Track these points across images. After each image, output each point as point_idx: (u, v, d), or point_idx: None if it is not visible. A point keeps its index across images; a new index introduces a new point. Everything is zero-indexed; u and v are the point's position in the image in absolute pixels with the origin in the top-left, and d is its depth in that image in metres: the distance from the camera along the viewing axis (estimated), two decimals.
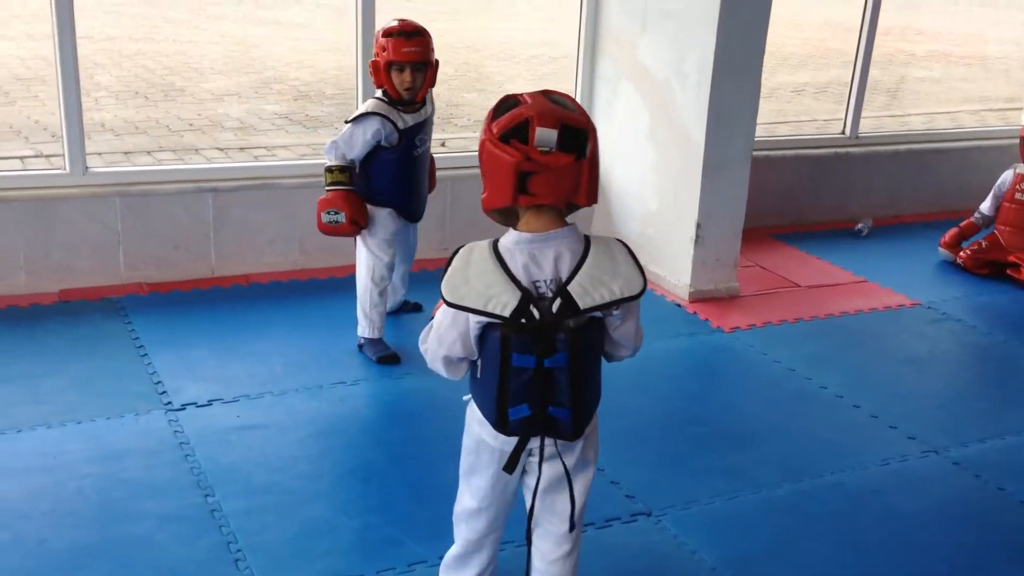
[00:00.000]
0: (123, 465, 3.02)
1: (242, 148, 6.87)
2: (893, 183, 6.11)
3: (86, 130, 4.36)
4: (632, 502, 2.98)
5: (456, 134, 7.58)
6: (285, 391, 3.54)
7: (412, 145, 3.61)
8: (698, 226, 4.56)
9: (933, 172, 6.23)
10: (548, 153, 1.93)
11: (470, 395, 2.19)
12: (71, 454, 3.07)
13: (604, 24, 5.00)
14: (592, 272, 1.99)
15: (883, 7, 5.79)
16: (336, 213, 3.52)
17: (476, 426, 2.17)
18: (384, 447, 3.24)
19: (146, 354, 3.74)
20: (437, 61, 3.58)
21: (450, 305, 2.01)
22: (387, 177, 3.59)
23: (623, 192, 4.99)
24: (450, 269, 2.01)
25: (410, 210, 3.74)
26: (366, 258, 3.72)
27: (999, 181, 5.33)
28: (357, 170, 3.60)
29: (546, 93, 2.02)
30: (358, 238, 3.72)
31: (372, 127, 3.51)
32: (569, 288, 1.98)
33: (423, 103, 3.65)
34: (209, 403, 3.42)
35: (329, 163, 3.57)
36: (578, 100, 5.11)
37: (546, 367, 2.01)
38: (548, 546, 2.24)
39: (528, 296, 1.97)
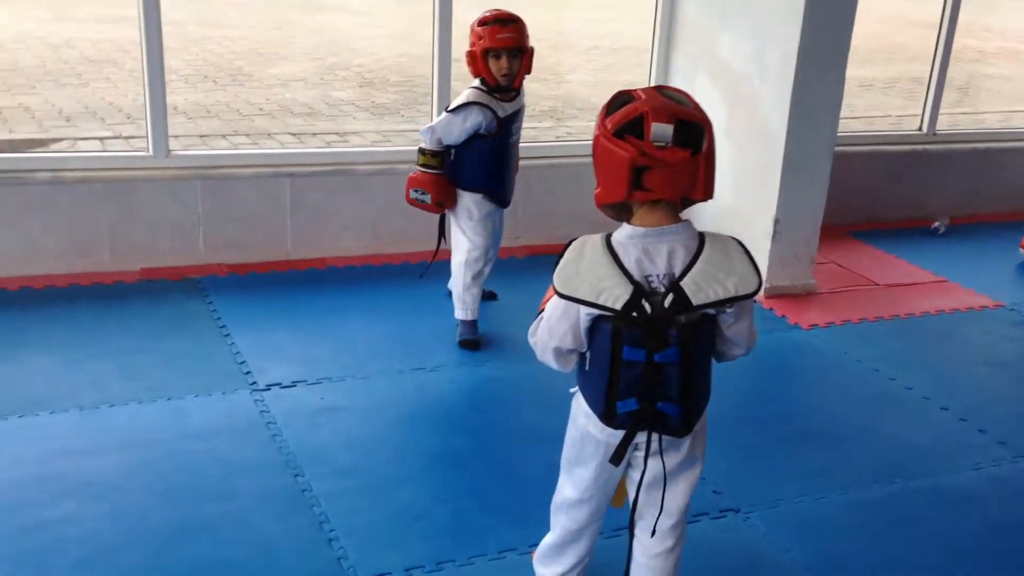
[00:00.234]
0: (214, 443, 3.06)
1: (314, 134, 6.93)
2: (970, 181, 5.98)
3: None
4: (720, 498, 2.96)
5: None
6: (367, 375, 3.56)
7: (508, 133, 3.67)
8: (776, 221, 4.50)
9: (1011, 170, 6.09)
10: (664, 148, 1.91)
11: (576, 387, 2.18)
12: (163, 430, 3.12)
13: (680, 18, 4.95)
14: (706, 268, 1.97)
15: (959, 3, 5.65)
16: (423, 193, 3.66)
17: (582, 418, 2.15)
18: (468, 434, 3.25)
19: (228, 334, 3.79)
20: (532, 48, 3.60)
21: (562, 296, 2.00)
22: (481, 164, 3.64)
23: None
24: (562, 261, 2.00)
25: (501, 196, 3.79)
26: (461, 242, 3.77)
27: None
28: (452, 156, 3.65)
29: (660, 88, 2.01)
30: (453, 223, 3.80)
31: (473, 117, 3.56)
32: (682, 284, 1.96)
33: (518, 91, 3.68)
34: (293, 384, 3.46)
35: (423, 146, 3.65)
36: None
37: (656, 362, 1.99)
38: (651, 540, 2.22)
39: (640, 290, 1.96)
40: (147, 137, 4.32)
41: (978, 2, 5.77)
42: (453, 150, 3.64)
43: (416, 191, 3.66)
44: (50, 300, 3.97)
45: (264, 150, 6.19)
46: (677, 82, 5.00)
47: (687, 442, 2.14)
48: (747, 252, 2.02)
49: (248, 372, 3.51)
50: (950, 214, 5.76)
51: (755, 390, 3.75)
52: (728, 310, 2.02)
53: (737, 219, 4.70)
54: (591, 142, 2.03)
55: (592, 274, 1.97)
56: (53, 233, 4.16)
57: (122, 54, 8.63)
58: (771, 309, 4.44)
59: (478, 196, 3.70)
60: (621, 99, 1.99)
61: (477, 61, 3.55)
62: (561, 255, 2.01)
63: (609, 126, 1.95)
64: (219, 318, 3.92)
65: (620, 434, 2.09)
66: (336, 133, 6.98)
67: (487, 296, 4.25)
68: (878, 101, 9.13)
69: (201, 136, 6.62)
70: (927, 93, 5.89)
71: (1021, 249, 5.26)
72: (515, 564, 2.59)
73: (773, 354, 4.09)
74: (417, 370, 3.63)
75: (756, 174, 4.57)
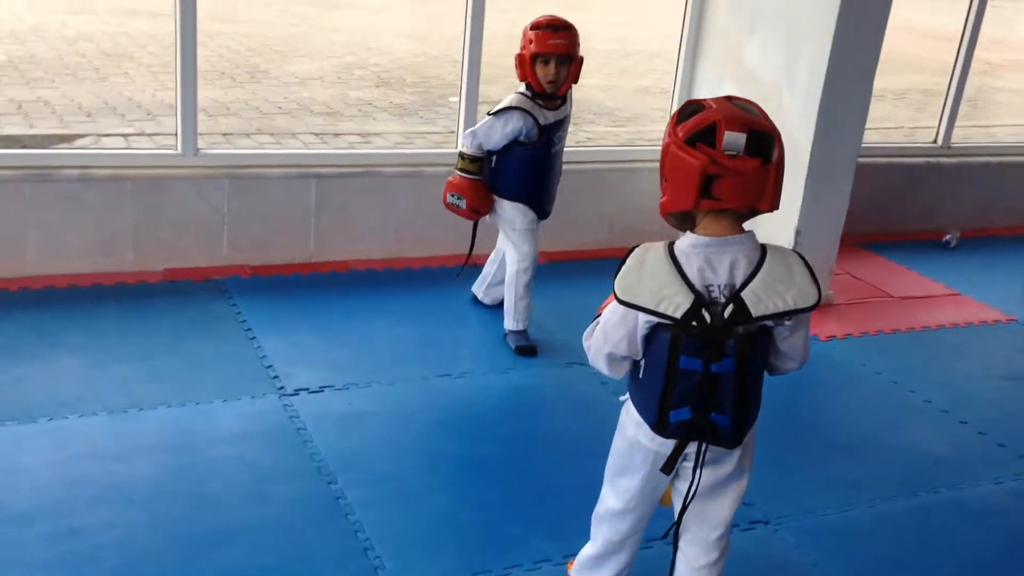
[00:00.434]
0: (245, 448, 3.08)
1: (336, 134, 6.93)
2: (983, 195, 6.01)
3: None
4: (750, 509, 2.98)
5: None
6: (393, 380, 3.58)
7: (550, 142, 3.64)
8: (797, 232, 4.52)
9: None
10: (735, 157, 1.93)
11: (627, 396, 2.20)
12: (194, 435, 3.13)
13: (709, 25, 4.96)
14: (767, 280, 1.99)
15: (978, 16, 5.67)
16: (459, 198, 3.65)
17: (632, 427, 2.17)
18: (497, 442, 3.27)
19: (254, 337, 3.80)
20: (582, 58, 3.58)
21: (622, 303, 2.02)
22: (521, 172, 3.63)
23: None
24: (624, 268, 2.02)
25: (540, 206, 3.76)
26: (511, 252, 3.77)
27: None
28: (494, 162, 3.64)
29: (730, 98, 2.02)
30: (501, 232, 3.82)
31: (513, 122, 3.55)
32: (743, 295, 1.98)
33: (564, 100, 3.65)
34: (321, 389, 3.47)
35: (463, 150, 3.65)
36: (676, 102, 5.10)
37: (713, 372, 2.02)
38: (696, 552, 2.25)
39: (701, 300, 1.98)
40: (176, 135, 4.33)
41: (990, 14, 5.76)
42: (494, 157, 3.63)
43: (453, 195, 3.65)
44: (74, 300, 3.97)
45: (292, 150, 6.21)
46: (702, 89, 5.02)
47: (736, 453, 2.16)
48: (808, 266, 2.04)
49: (275, 376, 3.52)
50: (961, 227, 5.79)
51: (776, 401, 3.71)
52: (786, 323, 2.04)
53: (758, 229, 4.69)
54: (660, 150, 2.04)
55: (653, 282, 1.99)
56: (78, 231, 4.16)
57: (138, 48, 8.63)
58: None
59: (520, 205, 3.68)
60: (691, 108, 2.01)
61: (525, 65, 3.52)
62: (623, 262, 2.03)
63: (680, 134, 1.97)
64: (244, 320, 3.93)
65: (670, 444, 2.11)
66: (358, 134, 6.98)
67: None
68: (889, 113, 9.15)
69: (224, 135, 6.62)
70: (944, 105, 5.91)
71: None
72: (551, 575, 2.61)
73: None
74: (443, 376, 3.65)
75: None
